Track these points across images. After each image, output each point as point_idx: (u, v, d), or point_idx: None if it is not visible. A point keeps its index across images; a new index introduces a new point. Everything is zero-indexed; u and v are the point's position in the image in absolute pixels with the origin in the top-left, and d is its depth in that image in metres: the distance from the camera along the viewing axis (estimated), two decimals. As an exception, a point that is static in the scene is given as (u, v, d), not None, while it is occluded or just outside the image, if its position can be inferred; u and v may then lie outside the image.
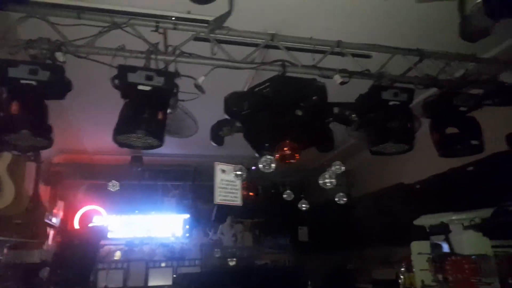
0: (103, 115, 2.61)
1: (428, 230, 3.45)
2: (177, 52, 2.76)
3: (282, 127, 2.47)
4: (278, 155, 2.43)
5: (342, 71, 2.98)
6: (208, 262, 6.83)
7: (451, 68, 3.28)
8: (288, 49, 3.05)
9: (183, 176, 6.78)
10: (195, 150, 6.27)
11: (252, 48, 2.99)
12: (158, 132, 2.43)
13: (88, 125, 5.15)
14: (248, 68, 2.87)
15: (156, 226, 6.83)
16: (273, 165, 2.49)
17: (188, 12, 2.73)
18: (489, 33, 2.21)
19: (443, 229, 3.04)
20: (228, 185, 2.89)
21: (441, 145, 3.05)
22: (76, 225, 6.58)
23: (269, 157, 2.48)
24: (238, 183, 2.97)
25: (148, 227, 6.76)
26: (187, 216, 6.97)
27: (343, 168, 3.13)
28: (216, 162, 2.96)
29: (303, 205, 4.61)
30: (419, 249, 3.33)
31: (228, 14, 2.44)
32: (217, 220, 6.88)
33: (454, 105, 3.02)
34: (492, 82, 3.31)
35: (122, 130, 2.39)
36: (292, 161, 2.38)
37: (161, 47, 2.81)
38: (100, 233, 6.07)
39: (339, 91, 2.96)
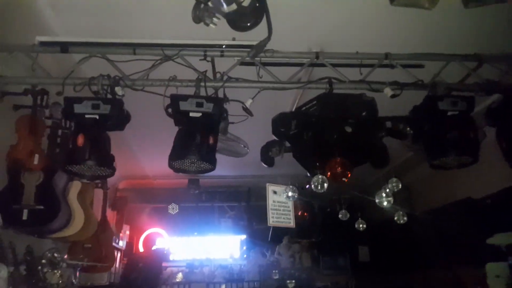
0: (161, 141, 2.77)
1: (504, 250, 3.14)
2: (225, 78, 2.85)
3: (331, 145, 2.42)
4: (329, 174, 2.38)
5: (392, 84, 2.88)
6: (267, 283, 6.76)
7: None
8: (334, 65, 3.03)
9: (238, 197, 6.88)
10: (248, 171, 6.36)
11: (298, 68, 3.01)
12: (209, 156, 2.50)
13: (148, 152, 5.45)
14: (294, 88, 2.88)
15: (215, 248, 6.93)
16: (325, 185, 2.44)
17: (233, 39, 2.82)
18: None
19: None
20: (280, 207, 2.87)
21: (509, 156, 2.80)
22: (141, 248, 6.89)
23: (321, 176, 2.43)
24: (290, 204, 2.94)
25: (206, 248, 6.88)
26: (243, 236, 7.01)
27: (400, 185, 2.98)
28: (268, 183, 2.97)
29: (361, 225, 4.42)
30: (496, 271, 3.04)
31: (268, 39, 2.49)
32: (273, 241, 6.84)
33: (522, 111, 2.77)
34: None
35: (175, 156, 2.49)
36: (344, 179, 2.32)
37: (209, 74, 2.93)
38: (161, 256, 6.30)
39: (393, 104, 2.86)
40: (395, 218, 3.67)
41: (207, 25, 2.06)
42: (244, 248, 7.00)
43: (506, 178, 3.88)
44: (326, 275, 6.77)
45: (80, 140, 2.35)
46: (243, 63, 2.93)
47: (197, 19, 1.97)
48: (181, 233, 6.95)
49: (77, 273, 4.07)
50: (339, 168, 2.27)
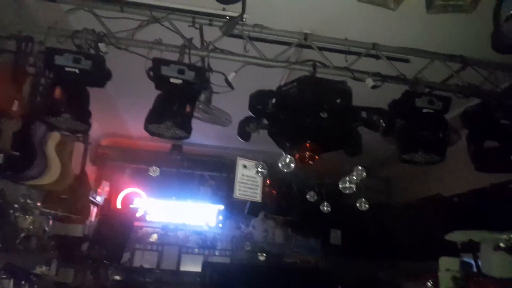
0: (148, 103, 2.79)
1: (459, 247, 3.29)
2: (210, 47, 2.86)
3: (305, 128, 2.48)
4: (297, 155, 2.45)
5: (375, 75, 2.92)
6: (238, 254, 6.96)
7: (497, 78, 3.09)
8: (322, 49, 3.04)
9: (220, 167, 6.94)
10: (233, 144, 6.40)
11: (286, 47, 3.02)
12: (185, 124, 2.55)
13: (132, 111, 5.44)
14: (279, 66, 2.90)
15: (191, 214, 7.07)
16: (292, 165, 2.51)
17: (223, 9, 2.80)
18: None
19: (472, 248, 2.89)
20: (248, 181, 2.95)
21: (477, 159, 2.89)
22: (119, 205, 6.99)
23: (289, 157, 2.50)
24: (259, 179, 3.02)
25: (183, 213, 7.02)
26: (221, 207, 7.14)
27: (364, 174, 3.06)
28: (238, 157, 3.04)
29: (325, 208, 4.56)
30: (447, 265, 3.19)
31: (240, 17, 2.50)
32: (249, 214, 6.98)
33: (494, 117, 2.84)
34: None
35: (152, 119, 2.53)
36: (310, 162, 2.39)
37: (197, 42, 2.92)
38: (134, 215, 6.42)
39: (377, 95, 2.90)
40: (357, 205, 3.79)
41: None
42: (220, 217, 7.14)
43: (477, 180, 4.00)
44: (296, 253, 6.98)
45: (57, 92, 2.37)
46: (231, 35, 2.93)
47: None
48: (160, 195, 7.04)
49: (50, 222, 4.16)
50: (307, 152, 2.34)
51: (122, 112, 5.58)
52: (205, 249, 6.92)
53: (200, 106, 3.21)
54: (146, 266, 6.51)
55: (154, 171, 6.44)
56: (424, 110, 2.77)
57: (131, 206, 6.89)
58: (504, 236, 2.83)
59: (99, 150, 6.53)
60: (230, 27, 2.60)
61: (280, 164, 2.59)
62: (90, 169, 6.07)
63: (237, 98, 3.03)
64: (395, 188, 6.94)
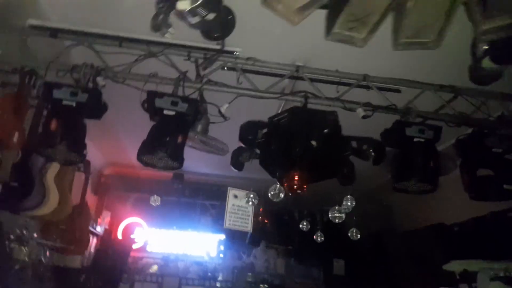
0: (147, 132, 2.87)
1: (457, 277, 3.22)
2: (205, 80, 2.95)
3: (295, 157, 2.51)
4: (286, 185, 2.47)
5: (366, 105, 2.97)
6: (240, 285, 6.83)
7: (489, 107, 3.12)
8: (314, 80, 3.12)
9: (221, 196, 6.91)
10: (234, 173, 6.42)
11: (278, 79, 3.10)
12: (177, 155, 2.59)
13: (134, 141, 5.45)
14: (271, 97, 2.97)
15: (192, 244, 7.00)
16: (281, 195, 2.53)
17: (218, 44, 2.91)
18: (500, 76, 2.11)
19: (469, 278, 2.83)
20: (239, 211, 2.95)
21: (471, 188, 2.88)
22: (120, 235, 6.96)
23: (278, 186, 2.52)
24: (250, 209, 3.02)
25: (184, 243, 6.96)
26: (222, 236, 7.08)
27: (354, 202, 3.06)
28: (229, 187, 3.06)
29: (319, 238, 4.52)
30: (445, 297, 3.12)
31: (218, 54, 2.61)
32: (251, 244, 6.90)
33: (485, 146, 2.86)
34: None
35: (145, 150, 2.59)
36: (299, 191, 2.40)
37: (192, 75, 3.02)
38: (130, 246, 6.39)
39: (371, 124, 2.94)
40: (349, 234, 3.76)
41: (163, 35, 2.16)
42: (222, 247, 7.06)
43: (477, 208, 3.96)
44: (298, 283, 6.84)
45: (54, 124, 2.45)
46: (224, 68, 3.03)
47: (156, 27, 2.07)
48: (161, 225, 7.01)
49: (47, 253, 4.16)
50: (295, 181, 2.35)
51: (124, 142, 5.67)
52: (206, 280, 6.81)
53: (197, 136, 3.27)
54: (145, 297, 6.41)
55: (155, 200, 6.43)
56: (415, 139, 2.80)
57: (128, 236, 6.86)
58: (502, 266, 2.77)
59: (102, 179, 6.59)
60: (210, 63, 2.70)
61: (269, 194, 2.61)
62: (92, 199, 6.11)
63: (234, 128, 3.10)
64: (396, 214, 6.84)
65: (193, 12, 1.79)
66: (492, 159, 2.88)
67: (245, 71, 3.03)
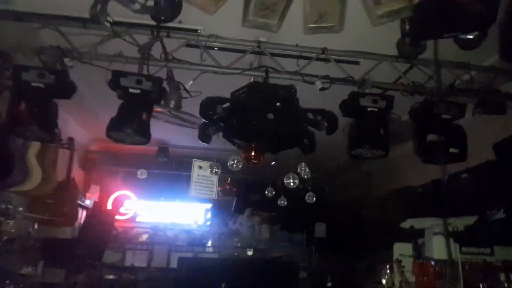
0: None
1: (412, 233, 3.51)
2: (170, 57, 3.08)
3: (254, 130, 2.69)
4: (244, 156, 2.67)
5: (324, 77, 3.13)
6: (227, 250, 7.19)
7: (442, 76, 3.28)
8: (276, 55, 3.26)
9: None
10: (216, 144, 6.64)
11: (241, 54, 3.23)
12: (143, 130, 2.77)
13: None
14: (233, 73, 3.12)
15: (180, 213, 7.31)
16: (240, 165, 2.73)
17: (180, 22, 3.02)
18: (423, 50, 2.27)
19: (415, 233, 3.11)
20: (204, 180, 3.16)
21: (420, 152, 3.10)
22: (109, 207, 7.25)
23: (236, 157, 2.72)
24: (215, 178, 3.23)
25: (172, 213, 7.26)
26: (209, 205, 7.38)
27: (307, 169, 3.28)
28: (194, 159, 3.25)
29: (282, 201, 4.81)
30: (401, 251, 3.41)
31: (154, 40, 2.77)
32: (236, 211, 7.22)
33: (435, 113, 3.05)
34: (484, 90, 3.27)
35: (113, 127, 2.76)
36: (255, 161, 2.61)
37: (157, 54, 3.14)
38: (113, 216, 6.68)
39: (335, 97, 3.10)
40: (306, 199, 4.01)
41: (102, 23, 2.26)
42: (209, 215, 7.38)
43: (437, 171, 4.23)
44: (282, 247, 7.21)
45: (24, 105, 2.60)
46: (188, 45, 3.15)
47: (94, 17, 2.18)
48: (149, 197, 7.29)
49: (35, 225, 4.40)
50: (252, 152, 2.55)
51: (105, 118, 5.78)
52: (194, 246, 7.16)
53: (170, 111, 3.45)
54: (137, 264, 6.76)
55: (142, 173, 6.68)
56: (369, 109, 2.98)
57: (118, 209, 7.13)
58: (455, 222, 3.04)
59: (88, 155, 6.77)
60: (146, 48, 2.84)
61: (228, 164, 2.81)
62: (79, 174, 6.32)
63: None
64: (374, 180, 7.16)
65: (132, 0, 1.92)
66: (441, 125, 3.08)
67: (208, 48, 3.15)
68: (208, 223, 7.35)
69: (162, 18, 2.37)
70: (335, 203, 7.47)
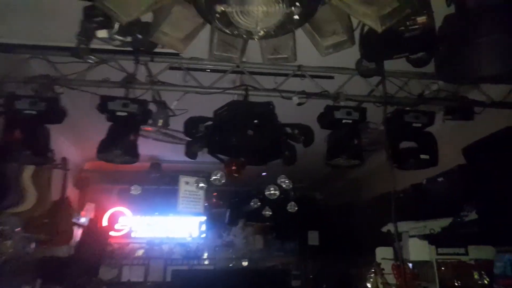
0: None
1: (392, 237, 3.68)
2: (156, 80, 3.27)
3: (236, 146, 2.87)
4: (226, 170, 2.84)
5: (300, 93, 3.33)
6: (222, 262, 7.32)
7: (411, 87, 3.50)
8: (254, 74, 3.45)
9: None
10: (207, 157, 6.82)
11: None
12: (131, 151, 2.94)
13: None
14: (215, 92, 3.30)
15: (175, 227, 7.44)
16: (223, 180, 2.91)
17: (162, 47, 3.21)
18: (380, 69, 2.48)
19: (389, 237, 3.28)
20: (191, 195, 3.32)
21: (394, 159, 3.28)
22: (105, 224, 7.36)
23: (220, 172, 2.89)
24: (201, 193, 3.40)
25: (167, 227, 7.39)
26: (203, 218, 7.51)
27: (286, 181, 3.46)
28: (180, 175, 3.42)
29: (267, 212, 4.97)
30: (383, 254, 3.59)
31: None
32: (229, 223, 7.36)
33: (406, 122, 3.25)
34: (452, 98, 3.48)
35: (102, 149, 2.93)
36: (236, 175, 2.78)
37: (141, 77, 3.33)
38: (107, 233, 6.81)
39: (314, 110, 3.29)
40: (288, 208, 4.18)
41: (86, 60, 2.45)
42: (203, 228, 7.51)
43: (424, 175, 4.41)
44: (276, 256, 7.35)
45: (18, 133, 2.77)
46: (171, 68, 3.34)
47: (77, 56, 2.38)
48: (144, 212, 7.42)
49: (32, 245, 4.52)
50: (233, 167, 2.73)
51: (97, 138, 5.96)
52: (190, 259, 7.28)
53: (158, 129, 3.65)
54: (133, 279, 6.87)
55: (136, 189, 6.82)
56: (343, 121, 3.18)
57: (113, 225, 7.25)
58: (422, 224, 3.22)
59: (82, 174, 6.91)
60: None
61: (212, 179, 2.98)
62: (74, 193, 6.45)
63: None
64: (363, 186, 7.34)
65: (112, 38, 2.10)
66: (412, 133, 3.28)
67: (190, 69, 3.34)
68: (203, 235, 7.48)
69: (142, 48, 2.56)
70: (327, 210, 7.63)
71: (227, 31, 1.57)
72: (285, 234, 7.46)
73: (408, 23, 1.72)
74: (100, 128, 5.52)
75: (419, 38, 1.82)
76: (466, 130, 3.62)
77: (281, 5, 1.23)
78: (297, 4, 1.25)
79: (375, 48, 2.07)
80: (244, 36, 1.64)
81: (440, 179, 3.85)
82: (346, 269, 6.44)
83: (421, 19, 1.72)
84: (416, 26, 1.73)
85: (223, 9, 1.28)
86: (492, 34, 1.41)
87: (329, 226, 7.27)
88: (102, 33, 2.14)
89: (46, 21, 3.06)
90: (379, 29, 1.58)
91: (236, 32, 1.51)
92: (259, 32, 1.46)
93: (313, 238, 7.52)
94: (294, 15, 1.29)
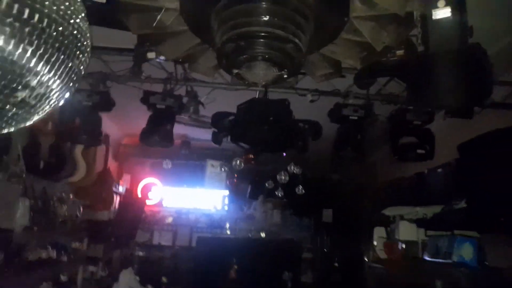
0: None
1: (392, 219, 4.18)
2: (189, 78, 3.81)
3: (255, 138, 3.41)
4: (244, 157, 3.39)
5: (313, 91, 3.79)
6: (242, 232, 8.02)
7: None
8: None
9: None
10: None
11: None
12: (167, 137, 3.54)
13: (143, 118, 6.51)
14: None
15: (201, 199, 8.16)
16: (242, 165, 3.46)
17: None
18: (373, 83, 2.92)
19: (385, 220, 3.78)
20: (216, 176, 3.90)
21: (395, 152, 3.73)
22: (139, 193, 8.18)
23: (239, 158, 3.44)
24: (223, 174, 3.97)
25: (194, 199, 8.12)
26: (226, 192, 8.18)
27: (297, 169, 3.98)
28: (208, 159, 4.00)
29: (280, 193, 5.51)
30: (379, 233, 4.11)
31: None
32: (251, 197, 7.99)
33: (407, 119, 3.66)
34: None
35: (144, 136, 3.54)
36: (253, 162, 3.32)
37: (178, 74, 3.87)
38: (144, 203, 7.61)
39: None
40: (296, 191, 4.70)
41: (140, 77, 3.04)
42: (226, 201, 8.19)
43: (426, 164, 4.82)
44: (292, 231, 7.97)
45: (78, 121, 3.41)
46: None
47: (134, 74, 2.97)
48: (173, 184, 8.15)
49: (81, 209, 5.32)
50: (248, 155, 3.27)
51: (139, 120, 6.64)
52: (213, 228, 8.02)
53: (190, 116, 4.24)
54: (163, 243, 7.71)
55: (167, 164, 7.53)
56: (350, 117, 3.63)
57: (146, 194, 8.04)
58: (417, 209, 3.70)
59: (121, 148, 7.68)
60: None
61: (232, 164, 3.54)
62: (113, 165, 7.24)
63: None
64: (380, 170, 7.76)
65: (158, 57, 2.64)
66: (412, 130, 3.70)
67: (218, 68, 3.85)
68: (226, 208, 8.16)
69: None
70: (342, 190, 8.13)
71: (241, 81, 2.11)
72: (301, 211, 8.04)
73: (388, 54, 2.14)
74: (138, 108, 6.21)
75: (395, 67, 2.24)
76: (468, 127, 3.96)
77: (274, 70, 1.74)
78: (285, 70, 1.76)
79: (367, 70, 2.49)
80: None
81: (439, 170, 4.26)
82: (357, 245, 6.99)
83: (399, 52, 2.13)
84: (395, 58, 2.15)
85: (237, 71, 1.82)
86: (447, 75, 1.82)
87: (343, 206, 7.80)
88: (151, 55, 2.68)
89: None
90: (358, 66, 2.03)
91: (246, 82, 2.05)
92: (262, 83, 2.02)
93: (327, 215, 8.08)
94: (284, 75, 1.80)
